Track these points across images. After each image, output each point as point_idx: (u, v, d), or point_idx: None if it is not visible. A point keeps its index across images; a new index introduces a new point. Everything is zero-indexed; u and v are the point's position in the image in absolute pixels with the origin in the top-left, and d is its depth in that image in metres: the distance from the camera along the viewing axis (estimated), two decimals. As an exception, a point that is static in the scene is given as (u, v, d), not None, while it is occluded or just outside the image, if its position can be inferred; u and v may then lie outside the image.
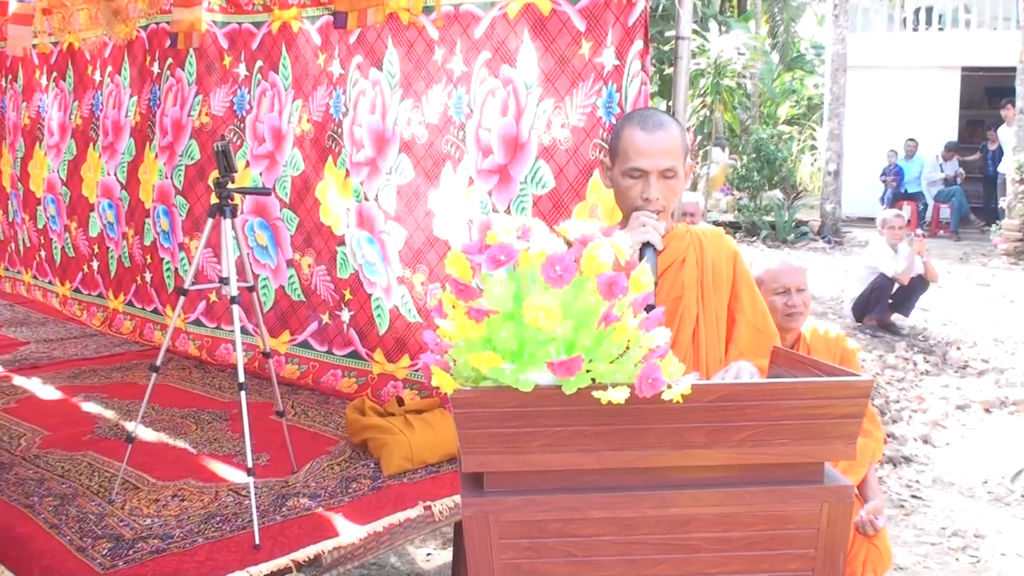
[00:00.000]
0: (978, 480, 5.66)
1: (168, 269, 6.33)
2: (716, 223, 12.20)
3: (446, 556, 4.47)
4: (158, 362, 3.71)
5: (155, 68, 6.29)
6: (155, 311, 6.52)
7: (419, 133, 4.69)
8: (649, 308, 2.13)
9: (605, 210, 3.88)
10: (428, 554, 4.59)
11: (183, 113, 6.04)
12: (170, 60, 6.12)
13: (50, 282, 7.74)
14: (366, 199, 4.97)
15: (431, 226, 4.69)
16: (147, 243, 6.50)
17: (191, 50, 5.93)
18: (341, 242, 5.19)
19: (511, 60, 4.26)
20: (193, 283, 3.99)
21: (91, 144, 7.01)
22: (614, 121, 3.85)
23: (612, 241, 1.60)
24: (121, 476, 3.73)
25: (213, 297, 5.97)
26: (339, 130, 5.10)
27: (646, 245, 2.33)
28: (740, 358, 2.42)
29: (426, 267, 4.73)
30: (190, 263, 6.03)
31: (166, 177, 6.20)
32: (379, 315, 5.03)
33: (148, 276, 6.54)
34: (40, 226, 7.81)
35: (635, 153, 2.43)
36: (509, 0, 4.25)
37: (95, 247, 7.13)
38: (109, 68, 6.80)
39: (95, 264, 7.15)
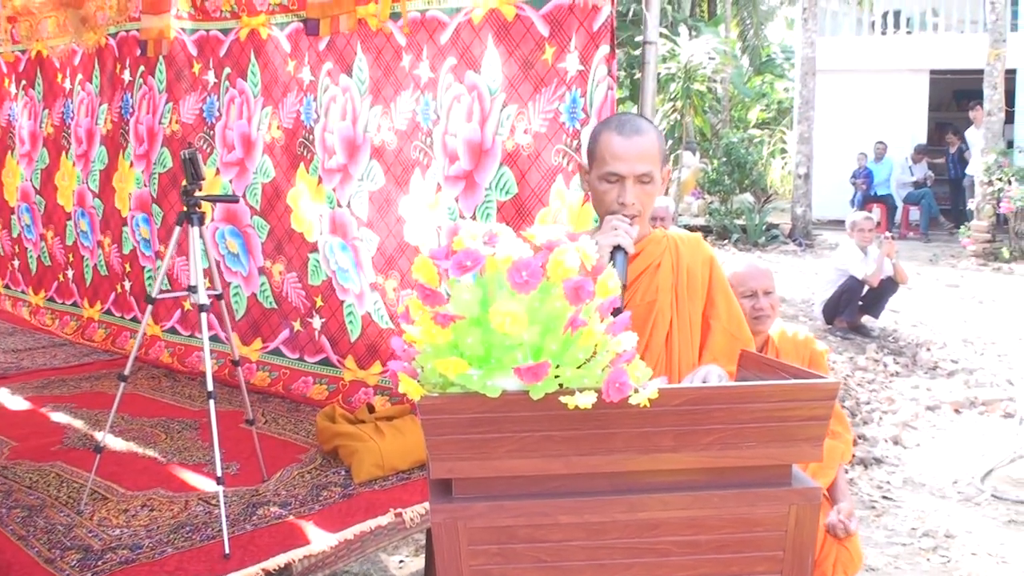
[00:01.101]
0: (948, 480, 5.70)
1: (150, 277, 6.30)
2: (687, 227, 12.24)
3: (419, 563, 4.45)
4: (127, 371, 3.69)
5: (126, 76, 6.25)
6: (134, 319, 6.47)
7: (389, 139, 4.69)
8: (617, 312, 2.13)
9: (570, 216, 3.88)
10: (400, 561, 4.57)
11: (155, 121, 6.02)
12: (142, 68, 6.09)
13: (23, 291, 7.68)
14: (339, 205, 4.96)
15: (402, 232, 4.68)
16: (126, 252, 6.46)
17: (161, 57, 5.90)
18: (313, 249, 5.17)
19: (476, 66, 4.26)
20: (161, 292, 3.97)
21: (64, 152, 6.97)
22: (578, 127, 3.86)
23: (578, 246, 1.60)
24: (90, 486, 3.70)
25: (187, 305, 5.94)
26: (311, 136, 5.09)
27: (616, 248, 2.33)
28: (715, 363, 2.43)
29: (398, 273, 4.72)
30: (166, 270, 6.00)
31: (144, 185, 6.17)
32: (351, 322, 5.02)
33: (128, 284, 6.50)
34: (15, 235, 7.74)
35: (611, 157, 2.44)
36: (474, 6, 4.25)
37: (70, 256, 7.08)
38: (79, 76, 6.76)
39: (70, 273, 7.11)
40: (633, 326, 2.50)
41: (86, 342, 6.66)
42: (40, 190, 7.29)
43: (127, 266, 6.48)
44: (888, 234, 9.21)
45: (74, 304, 7.08)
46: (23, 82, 7.40)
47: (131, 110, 6.22)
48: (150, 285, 6.28)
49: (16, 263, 7.77)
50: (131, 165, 6.25)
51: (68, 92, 6.91)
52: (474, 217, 4.29)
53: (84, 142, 6.73)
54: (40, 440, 4.49)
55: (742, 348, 2.46)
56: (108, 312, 6.73)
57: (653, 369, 2.45)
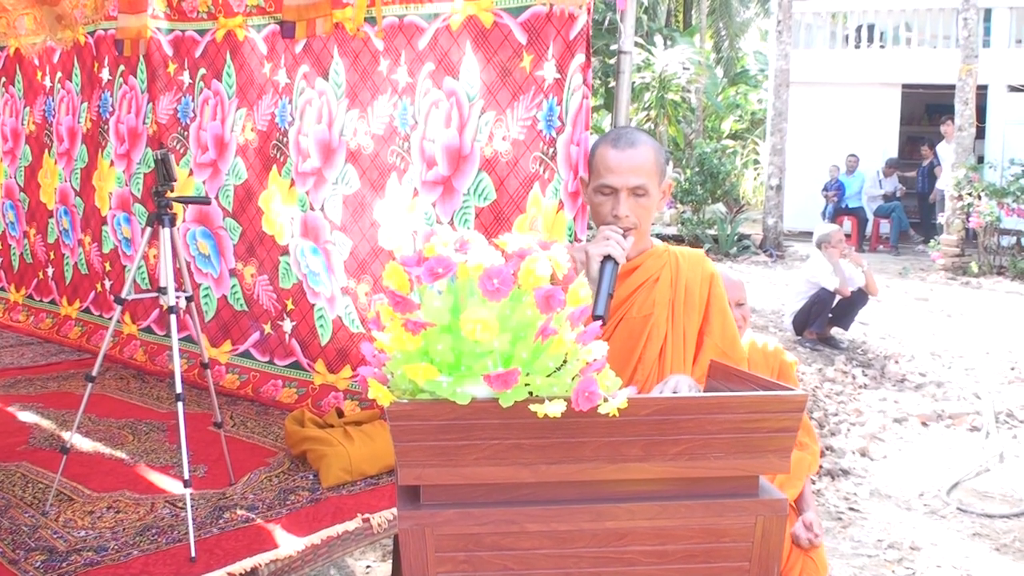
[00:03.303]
0: (914, 493, 5.74)
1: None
2: (659, 236, 12.29)
3: (386, 568, 4.44)
4: (94, 372, 3.66)
5: (104, 75, 6.22)
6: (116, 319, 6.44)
7: (365, 143, 4.68)
8: (598, 318, 2.13)
9: (545, 223, 3.89)
10: (368, 566, 4.56)
11: (138, 121, 5.98)
12: (122, 67, 6.06)
13: (3, 288, 7.62)
14: (312, 209, 4.95)
15: (376, 237, 4.68)
16: (106, 250, 6.42)
17: (141, 57, 5.87)
18: (284, 252, 5.15)
19: (454, 72, 4.26)
20: (136, 292, 3.95)
21: (46, 150, 6.93)
22: (554, 135, 3.87)
23: (550, 255, 1.61)
24: (55, 487, 3.67)
25: (166, 305, 5.92)
26: (284, 139, 5.07)
27: (607, 258, 2.34)
28: (701, 379, 2.44)
29: (371, 278, 4.71)
30: (148, 271, 5.98)
31: (125, 184, 6.13)
32: (321, 325, 5.00)
33: (108, 284, 6.45)
34: (-1, 232, 7.70)
35: (605, 170, 2.45)
36: (452, 12, 4.25)
37: (51, 254, 7.04)
38: (59, 74, 6.72)
39: (50, 271, 7.06)
40: (628, 339, 2.53)
41: (60, 339, 6.61)
42: (24, 187, 7.25)
43: (107, 265, 6.44)
44: (850, 249, 9.26)
45: (52, 302, 7.04)
46: (3, 79, 7.35)
47: (111, 109, 6.19)
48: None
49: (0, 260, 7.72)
50: (111, 164, 6.22)
51: (49, 90, 6.87)
52: (452, 223, 4.29)
53: (66, 140, 6.69)
54: (6, 440, 4.46)
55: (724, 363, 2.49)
56: (86, 311, 6.69)
57: (645, 383, 2.47)
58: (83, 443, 4.36)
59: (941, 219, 14.56)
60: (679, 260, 2.61)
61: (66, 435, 3.98)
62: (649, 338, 2.54)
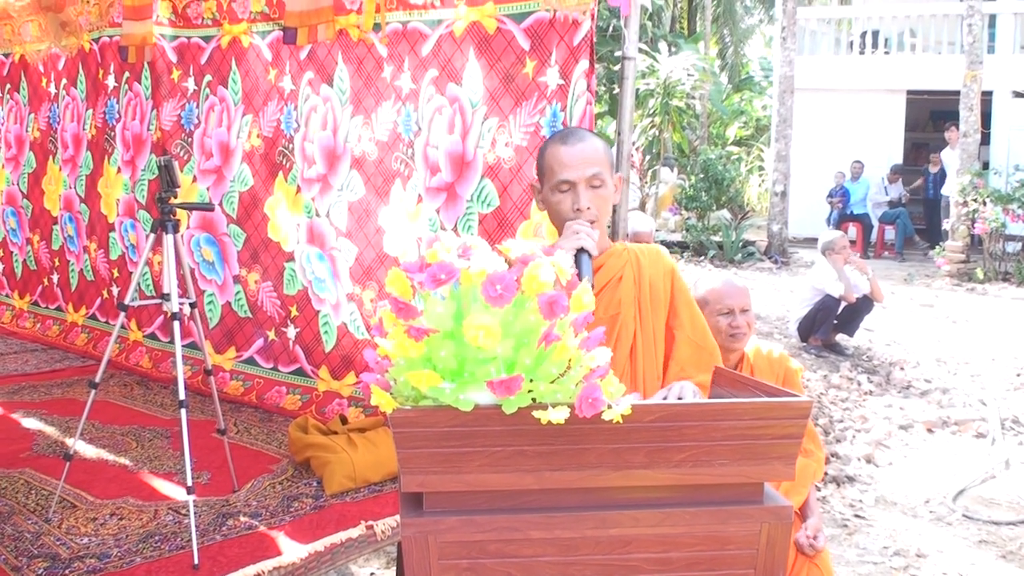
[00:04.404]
0: (920, 499, 5.71)
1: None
2: (664, 243, 12.29)
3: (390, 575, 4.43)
4: (98, 378, 3.66)
5: (109, 81, 6.23)
6: (121, 325, 6.44)
7: (369, 150, 4.68)
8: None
9: (550, 229, 3.88)
10: (371, 573, 4.54)
11: (143, 127, 5.99)
12: (127, 74, 6.07)
13: (7, 295, 7.62)
14: (317, 215, 4.95)
15: (382, 243, 4.67)
16: (114, 257, 6.42)
17: (146, 64, 5.88)
18: (290, 258, 5.15)
19: (457, 78, 4.26)
20: (141, 298, 3.95)
21: (51, 157, 6.94)
22: (558, 141, 3.86)
23: (553, 260, 1.60)
24: (59, 494, 3.67)
25: (169, 312, 5.92)
26: (290, 146, 5.07)
27: (580, 251, 2.35)
28: (681, 373, 2.44)
29: (376, 284, 4.71)
30: (152, 278, 5.98)
31: (130, 191, 6.14)
32: (326, 332, 5.00)
33: (116, 290, 6.46)
34: (0, 239, 7.69)
35: (560, 167, 2.46)
36: (456, 18, 4.25)
37: (56, 260, 7.04)
38: (64, 80, 6.74)
39: (55, 277, 7.07)
40: None
41: (67, 345, 6.62)
42: (27, 194, 7.25)
43: (115, 271, 6.44)
44: (856, 255, 9.24)
45: (58, 308, 7.04)
46: (7, 86, 7.37)
47: (116, 116, 6.20)
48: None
49: (1, 267, 7.71)
50: (118, 171, 6.23)
51: (54, 96, 6.88)
52: (455, 229, 4.29)
53: (71, 147, 6.70)
54: (10, 446, 4.46)
55: (713, 359, 2.48)
56: (93, 317, 6.69)
57: (618, 383, 2.46)
58: (86, 450, 4.36)
59: (946, 225, 14.54)
60: (639, 257, 2.62)
61: (70, 441, 3.98)
62: (619, 338, 2.53)
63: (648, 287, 2.58)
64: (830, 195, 16.84)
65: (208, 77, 5.53)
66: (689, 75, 16.49)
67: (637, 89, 14.79)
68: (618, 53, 4.10)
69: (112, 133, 6.27)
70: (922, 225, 17.18)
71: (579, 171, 2.45)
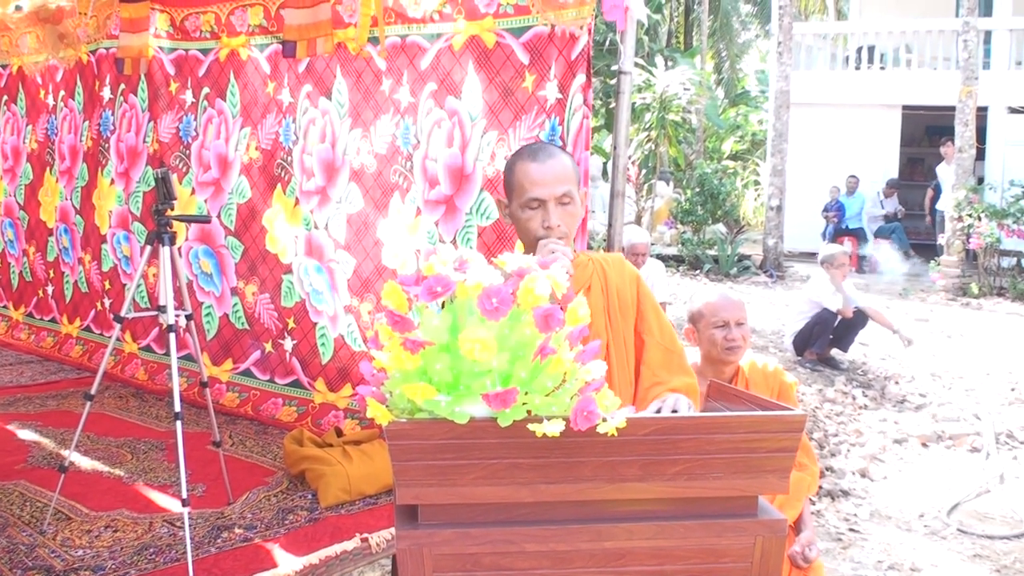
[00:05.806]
0: (915, 514, 5.72)
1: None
2: (660, 257, 12.29)
3: (385, 588, 4.43)
4: (93, 390, 3.66)
5: (105, 93, 6.23)
6: (116, 338, 6.43)
7: (368, 163, 4.69)
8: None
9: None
10: (367, 586, 4.54)
11: (138, 139, 6.00)
12: (123, 86, 6.08)
13: (3, 307, 7.62)
14: (316, 227, 4.95)
15: (380, 255, 4.68)
16: (105, 269, 6.42)
17: (142, 76, 5.89)
18: (287, 270, 5.16)
19: (456, 91, 4.27)
20: (136, 311, 3.95)
21: (48, 168, 6.94)
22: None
23: (549, 274, 1.61)
24: (53, 506, 3.66)
25: (165, 324, 5.92)
26: (289, 158, 5.08)
27: None
28: (653, 377, 2.46)
29: (374, 296, 4.71)
30: (148, 290, 5.98)
31: (124, 203, 6.14)
32: (323, 344, 5.00)
33: (108, 302, 6.46)
34: (-1, 251, 7.71)
35: (530, 184, 2.47)
36: (454, 32, 4.26)
37: (51, 272, 7.04)
38: (62, 92, 6.74)
39: (50, 289, 7.06)
40: None
41: (62, 357, 6.61)
42: (24, 206, 7.25)
43: (107, 283, 6.44)
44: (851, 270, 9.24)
45: (52, 320, 7.04)
46: (5, 97, 7.37)
47: (111, 128, 6.21)
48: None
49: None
50: (111, 183, 6.23)
51: (51, 108, 6.89)
52: (455, 242, 4.30)
53: (68, 158, 6.70)
54: (4, 458, 4.46)
55: (684, 364, 2.52)
56: (87, 329, 6.69)
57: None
58: (82, 461, 4.35)
59: (941, 240, 14.56)
60: (604, 267, 2.64)
61: (65, 453, 3.98)
62: None
63: (616, 295, 2.60)
64: (825, 209, 16.86)
65: (206, 89, 5.54)
66: (685, 89, 16.52)
67: (633, 103, 14.81)
68: (614, 67, 4.11)
69: (106, 145, 6.27)
70: (917, 240, 17.18)
71: (549, 189, 2.45)
